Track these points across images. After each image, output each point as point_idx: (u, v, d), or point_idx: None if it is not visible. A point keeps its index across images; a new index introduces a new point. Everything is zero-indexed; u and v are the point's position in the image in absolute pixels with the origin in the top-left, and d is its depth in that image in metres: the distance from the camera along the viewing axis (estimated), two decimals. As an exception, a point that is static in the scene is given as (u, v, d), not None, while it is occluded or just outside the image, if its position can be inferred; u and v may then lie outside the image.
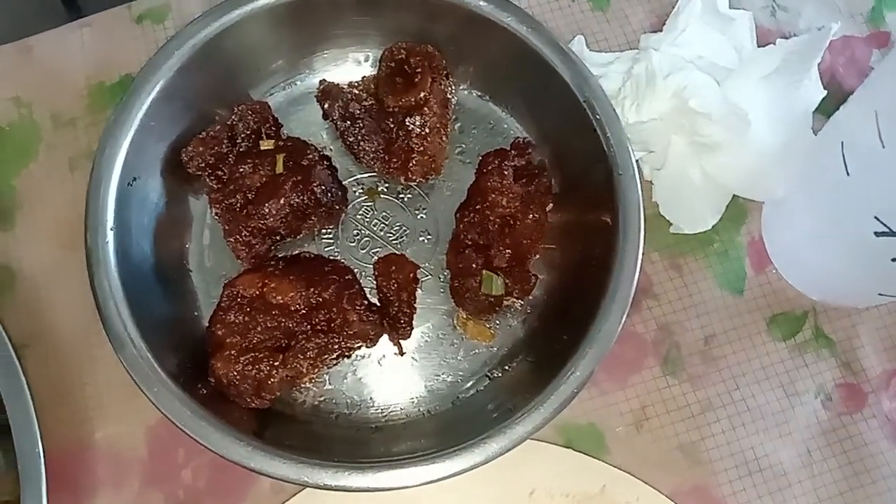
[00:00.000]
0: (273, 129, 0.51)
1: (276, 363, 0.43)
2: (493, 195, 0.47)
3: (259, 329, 0.44)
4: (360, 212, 0.51)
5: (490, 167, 0.47)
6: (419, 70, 0.50)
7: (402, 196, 0.51)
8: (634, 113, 0.50)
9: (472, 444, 0.40)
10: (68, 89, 0.54)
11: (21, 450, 0.40)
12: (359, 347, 0.46)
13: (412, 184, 0.51)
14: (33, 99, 0.54)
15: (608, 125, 0.46)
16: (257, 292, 0.45)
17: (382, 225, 0.51)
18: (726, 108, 0.50)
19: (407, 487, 0.39)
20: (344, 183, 0.51)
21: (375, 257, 0.50)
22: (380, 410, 0.47)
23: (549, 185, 0.49)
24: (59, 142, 0.53)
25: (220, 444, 0.40)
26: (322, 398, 0.47)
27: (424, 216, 0.51)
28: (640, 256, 0.44)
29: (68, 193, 0.51)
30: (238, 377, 0.43)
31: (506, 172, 0.46)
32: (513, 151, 0.47)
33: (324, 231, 0.50)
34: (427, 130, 0.50)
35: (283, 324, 0.44)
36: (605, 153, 0.46)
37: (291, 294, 0.45)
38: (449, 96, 0.51)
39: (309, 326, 0.44)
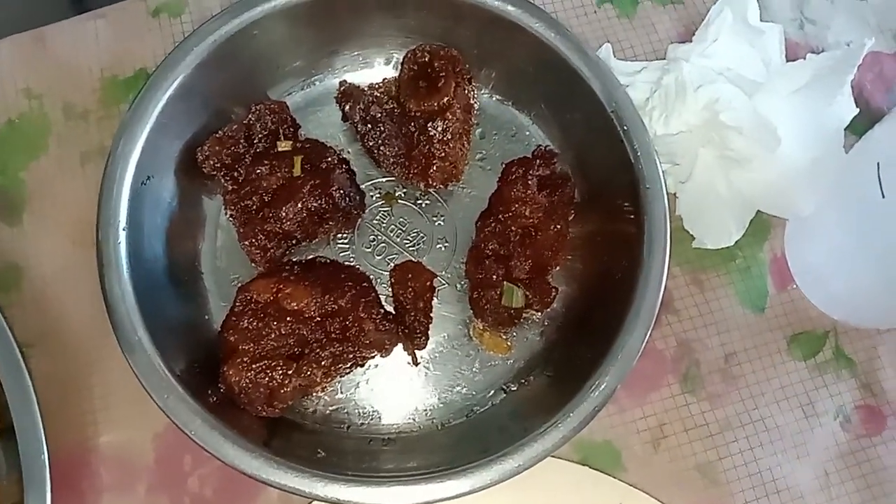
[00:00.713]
0: (291, 129, 0.50)
1: (290, 371, 0.42)
2: (517, 205, 0.46)
3: (273, 336, 0.43)
4: (378, 217, 0.50)
5: (514, 176, 0.46)
6: (443, 74, 0.49)
7: (420, 202, 0.50)
8: (662, 125, 0.49)
9: (488, 461, 0.40)
10: (81, 82, 0.52)
11: (26, 454, 0.39)
12: (373, 356, 0.45)
13: (431, 190, 0.50)
14: (44, 91, 0.52)
15: (636, 136, 0.45)
16: (271, 298, 0.44)
17: (399, 231, 0.50)
18: (757, 122, 0.49)
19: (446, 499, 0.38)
20: (362, 187, 0.50)
21: (392, 264, 0.48)
22: (392, 422, 0.46)
23: (572, 196, 0.48)
24: (70, 135, 0.51)
25: (229, 454, 0.39)
26: (333, 407, 0.46)
27: (442, 223, 0.50)
28: (665, 272, 0.43)
29: (79, 189, 0.50)
30: (250, 385, 0.41)
31: (530, 182, 0.45)
32: (537, 161, 0.46)
33: (340, 236, 0.49)
34: (449, 136, 0.48)
35: (297, 331, 0.43)
36: (632, 164, 0.45)
37: (306, 300, 0.43)
38: (472, 102, 0.50)
39: (323, 334, 0.43)
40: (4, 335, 0.40)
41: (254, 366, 0.42)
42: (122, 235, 0.42)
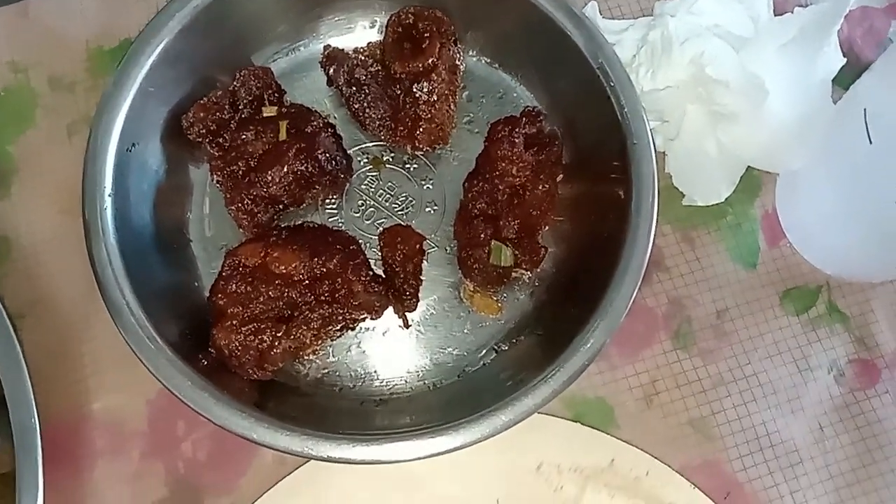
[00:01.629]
0: (276, 95, 0.49)
1: (279, 334, 0.42)
2: (503, 164, 0.46)
3: (261, 299, 0.43)
4: (366, 182, 0.50)
5: (500, 135, 0.46)
6: (427, 35, 0.49)
7: (408, 166, 0.50)
8: (650, 81, 0.49)
9: (478, 416, 0.40)
10: (67, 53, 0.52)
11: (17, 422, 0.39)
12: (363, 319, 0.45)
13: (419, 153, 0.50)
14: (30, 63, 0.52)
15: (623, 93, 0.45)
16: (259, 262, 0.44)
17: (388, 195, 0.50)
18: (744, 76, 0.48)
19: (411, 460, 0.38)
20: (349, 151, 0.49)
21: (381, 228, 0.48)
22: (384, 383, 0.46)
23: (560, 155, 0.48)
24: (57, 106, 0.51)
25: (221, 416, 0.39)
26: (325, 370, 0.46)
27: (431, 186, 0.50)
28: (653, 229, 0.43)
29: (67, 159, 0.50)
30: (240, 348, 0.42)
31: (516, 141, 0.45)
32: (523, 119, 0.46)
33: (328, 201, 0.49)
34: (435, 97, 0.48)
35: (285, 294, 0.43)
36: (619, 122, 0.45)
37: (294, 264, 0.43)
38: (458, 63, 0.50)
39: (312, 297, 0.43)
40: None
41: (243, 328, 0.42)
42: (109, 201, 0.42)
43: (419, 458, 0.38)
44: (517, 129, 0.45)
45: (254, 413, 0.39)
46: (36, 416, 0.39)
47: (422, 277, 0.47)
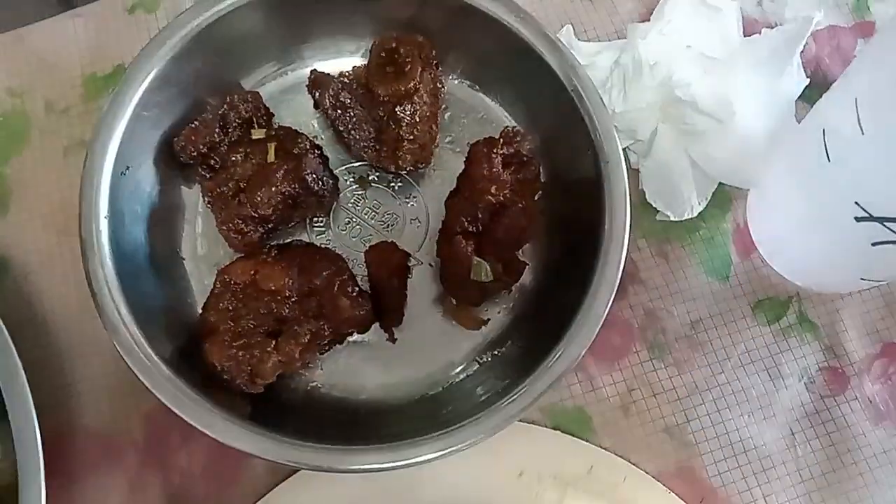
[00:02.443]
0: (265, 118, 0.51)
1: (269, 349, 0.44)
2: (482, 183, 0.47)
3: (251, 315, 0.45)
4: (352, 200, 0.52)
5: (479, 155, 0.47)
6: (409, 59, 0.50)
7: (392, 185, 0.52)
8: (622, 102, 0.51)
9: (462, 424, 0.41)
10: (62, 79, 0.54)
11: (18, 434, 0.40)
12: (350, 334, 0.47)
13: (402, 172, 0.52)
14: (26, 89, 0.54)
15: (595, 114, 0.47)
16: (249, 279, 0.45)
17: (373, 213, 0.52)
18: (712, 97, 0.51)
19: (397, 467, 0.40)
20: (335, 171, 0.51)
21: (367, 245, 0.50)
22: (371, 396, 0.48)
23: (538, 174, 0.50)
24: (52, 130, 0.53)
25: (214, 427, 0.40)
26: (314, 384, 0.48)
27: (415, 204, 0.52)
28: (626, 243, 0.44)
29: (62, 180, 0.51)
30: (231, 362, 0.43)
31: (494, 160, 0.47)
32: (501, 140, 0.48)
33: (315, 220, 0.51)
34: (417, 119, 0.50)
35: (275, 310, 0.45)
36: (593, 142, 0.47)
37: (283, 281, 0.45)
38: (439, 86, 0.52)
39: (301, 313, 0.45)
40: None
41: (234, 344, 0.43)
42: (105, 223, 0.43)
43: (405, 466, 0.40)
44: (496, 150, 0.47)
45: (245, 425, 0.40)
46: (37, 428, 0.40)
47: (406, 293, 0.49)
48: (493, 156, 0.47)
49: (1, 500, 0.41)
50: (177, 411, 0.41)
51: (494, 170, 0.47)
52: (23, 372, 0.41)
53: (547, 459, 0.47)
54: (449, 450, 0.41)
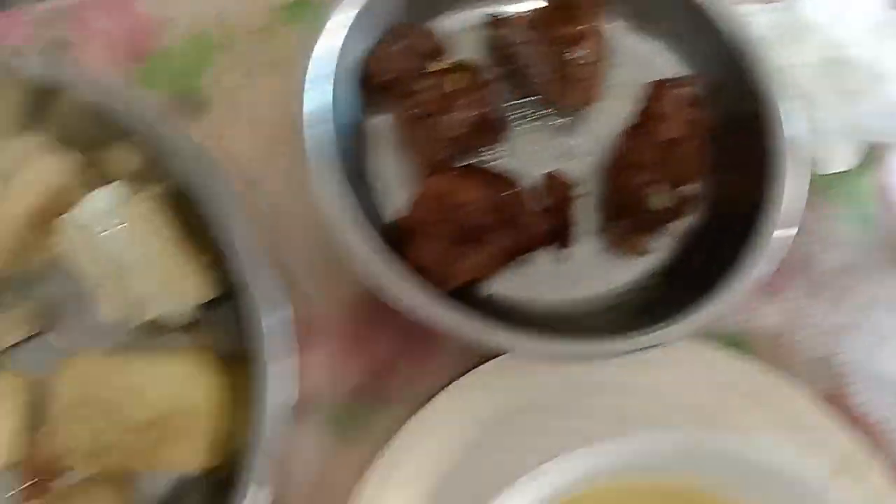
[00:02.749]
0: (443, 53, 0.55)
1: (464, 255, 0.47)
2: (663, 120, 0.51)
3: (447, 225, 0.48)
4: (523, 134, 0.55)
5: (662, 92, 0.51)
6: (583, 3, 0.54)
7: (562, 121, 0.55)
8: (780, 60, 0.54)
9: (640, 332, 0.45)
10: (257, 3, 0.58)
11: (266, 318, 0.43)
12: (534, 248, 0.50)
13: (572, 110, 0.55)
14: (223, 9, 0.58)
15: (761, 67, 0.51)
16: (446, 190, 0.48)
17: (542, 147, 0.55)
18: (870, 56, 0.53)
19: (613, 356, 0.44)
20: (508, 105, 0.55)
21: (537, 176, 0.53)
22: (546, 306, 0.51)
23: (708, 114, 0.53)
24: (247, 50, 0.58)
25: (417, 304, 0.44)
26: (496, 290, 0.51)
27: (584, 140, 0.55)
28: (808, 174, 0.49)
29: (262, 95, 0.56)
30: (432, 260, 0.46)
31: (678, 99, 0.50)
32: (685, 81, 0.51)
33: (490, 149, 0.54)
34: (588, 60, 0.53)
35: (469, 221, 0.48)
36: (760, 94, 0.51)
37: (476, 194, 0.48)
38: (606, 29, 0.55)
39: (492, 224, 0.48)
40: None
41: (433, 246, 0.47)
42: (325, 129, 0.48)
43: (620, 355, 0.44)
44: (679, 89, 0.50)
45: (455, 305, 0.44)
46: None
47: (575, 220, 0.52)
48: (677, 94, 0.50)
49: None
50: (381, 287, 0.44)
51: (677, 107, 0.50)
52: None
53: (707, 372, 0.50)
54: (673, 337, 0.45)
